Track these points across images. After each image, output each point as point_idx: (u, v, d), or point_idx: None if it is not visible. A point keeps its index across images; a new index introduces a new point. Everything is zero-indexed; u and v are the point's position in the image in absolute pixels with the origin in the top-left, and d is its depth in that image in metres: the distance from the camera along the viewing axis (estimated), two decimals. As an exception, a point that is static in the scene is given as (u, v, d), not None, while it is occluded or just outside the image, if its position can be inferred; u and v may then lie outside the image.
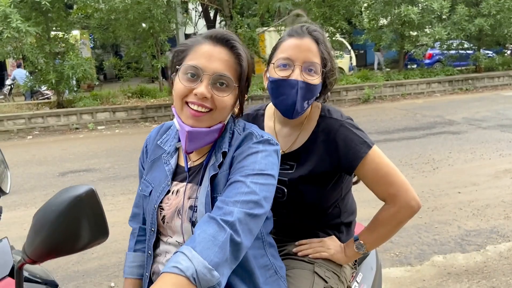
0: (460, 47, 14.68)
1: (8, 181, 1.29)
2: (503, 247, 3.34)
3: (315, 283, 1.35)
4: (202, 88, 1.09)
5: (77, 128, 9.99)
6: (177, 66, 1.15)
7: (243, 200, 1.03)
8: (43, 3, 8.75)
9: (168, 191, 1.22)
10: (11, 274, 0.99)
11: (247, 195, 1.04)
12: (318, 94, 1.43)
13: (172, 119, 1.26)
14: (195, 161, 1.23)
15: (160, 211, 1.22)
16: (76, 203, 0.79)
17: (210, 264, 0.92)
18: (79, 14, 12.09)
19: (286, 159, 1.45)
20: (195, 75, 1.10)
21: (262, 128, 1.51)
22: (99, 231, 0.84)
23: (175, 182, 1.23)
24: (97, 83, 13.95)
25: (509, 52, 18.17)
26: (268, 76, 1.43)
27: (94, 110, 10.31)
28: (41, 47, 9.86)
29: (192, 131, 1.11)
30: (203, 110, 1.10)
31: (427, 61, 16.37)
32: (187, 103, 1.11)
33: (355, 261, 1.60)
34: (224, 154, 1.16)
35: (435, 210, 4.16)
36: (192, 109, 1.10)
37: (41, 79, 10.40)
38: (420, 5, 12.22)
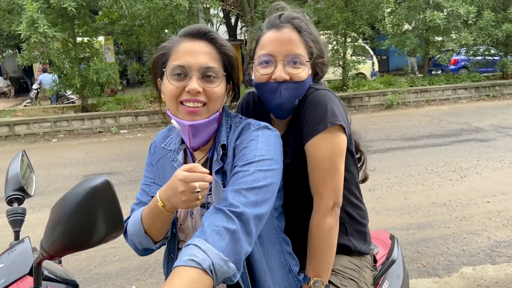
0: (487, 53, 14.33)
1: (33, 185, 1.30)
2: (536, 260, 3.19)
3: None
4: (193, 84, 1.09)
5: (100, 132, 10.14)
6: (163, 70, 1.16)
7: (247, 188, 1.01)
8: (69, 9, 8.93)
9: None
10: (31, 273, 0.99)
11: (251, 183, 1.03)
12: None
13: None
14: (201, 159, 1.23)
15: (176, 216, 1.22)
16: (92, 195, 0.77)
17: (225, 255, 0.90)
18: (104, 20, 12.31)
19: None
20: (183, 74, 1.11)
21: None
22: (115, 224, 0.82)
23: None
24: (120, 88, 14.18)
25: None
26: (252, 77, 1.34)
27: (117, 114, 10.46)
28: (67, 52, 10.08)
29: (193, 124, 1.11)
30: (198, 105, 1.11)
31: (452, 67, 16.09)
32: (181, 102, 1.12)
33: (374, 262, 1.50)
34: (223, 147, 1.15)
35: (463, 219, 4.02)
36: (188, 106, 1.11)
37: (67, 83, 10.62)
38: (445, 10, 12.00)
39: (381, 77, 14.63)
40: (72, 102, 12.79)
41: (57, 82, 10.92)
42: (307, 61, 1.28)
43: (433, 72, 15.81)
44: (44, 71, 13.83)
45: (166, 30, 11.09)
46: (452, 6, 11.61)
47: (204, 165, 1.22)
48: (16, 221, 1.17)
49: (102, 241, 0.81)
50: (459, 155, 6.38)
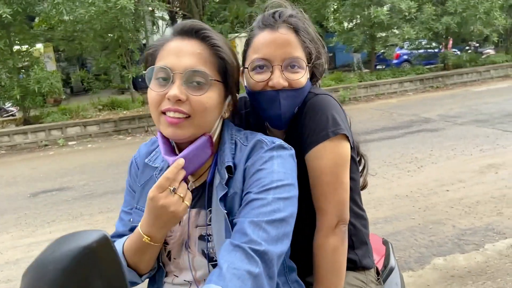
0: (428, 46, 14.97)
1: None
2: (501, 245, 3.27)
3: None
4: (174, 89, 0.91)
5: (46, 145, 9.54)
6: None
7: (268, 220, 0.87)
8: (4, 16, 8.35)
9: None
10: None
11: (272, 214, 0.88)
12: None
13: (147, 130, 1.06)
14: (195, 181, 1.05)
15: (164, 246, 1.03)
16: (84, 258, 0.56)
17: None
18: (42, 26, 11.64)
19: None
20: (166, 78, 0.94)
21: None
22: None
23: None
24: (64, 96, 13.49)
25: (472, 49, 18.70)
26: (244, 84, 1.20)
27: (63, 125, 9.90)
28: (4, 62, 9.47)
29: (180, 158, 0.92)
30: (180, 116, 0.93)
31: (394, 61, 16.66)
32: (163, 112, 0.94)
33: (378, 276, 1.41)
34: (229, 169, 0.98)
35: (427, 210, 4.08)
36: (169, 116, 0.93)
37: (5, 95, 9.96)
38: (387, 6, 12.39)
39: (330, 74, 14.89)
40: (12, 115, 12.00)
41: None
42: (307, 65, 1.15)
43: (378, 67, 16.31)
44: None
45: (110, 35, 10.64)
46: (393, 1, 12.01)
47: (199, 189, 1.04)
48: None
49: None
50: (413, 146, 6.55)
